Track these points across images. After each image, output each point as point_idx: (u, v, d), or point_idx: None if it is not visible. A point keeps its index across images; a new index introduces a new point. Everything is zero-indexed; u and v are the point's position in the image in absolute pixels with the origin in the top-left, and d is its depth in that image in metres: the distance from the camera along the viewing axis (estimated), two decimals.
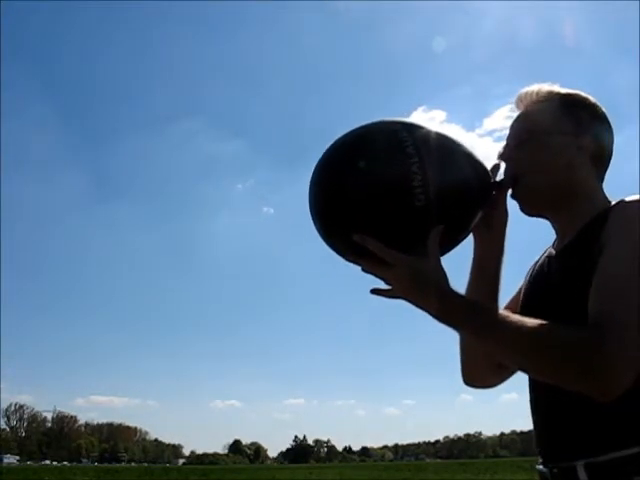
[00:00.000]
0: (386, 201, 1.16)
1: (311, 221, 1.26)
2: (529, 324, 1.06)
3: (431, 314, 1.10)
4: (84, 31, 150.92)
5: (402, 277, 1.11)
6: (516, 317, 1.09)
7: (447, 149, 1.25)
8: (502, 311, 1.16)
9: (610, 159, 1.30)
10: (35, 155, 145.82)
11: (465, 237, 1.30)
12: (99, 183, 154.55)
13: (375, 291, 1.18)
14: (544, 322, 1.06)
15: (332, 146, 1.27)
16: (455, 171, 1.23)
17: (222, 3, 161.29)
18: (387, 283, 1.16)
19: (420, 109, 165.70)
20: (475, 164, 1.28)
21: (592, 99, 1.31)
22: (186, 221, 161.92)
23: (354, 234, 1.15)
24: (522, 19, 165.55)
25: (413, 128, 1.24)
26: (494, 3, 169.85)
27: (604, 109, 1.30)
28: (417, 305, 1.11)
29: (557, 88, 1.31)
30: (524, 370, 1.16)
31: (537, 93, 1.31)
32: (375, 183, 1.17)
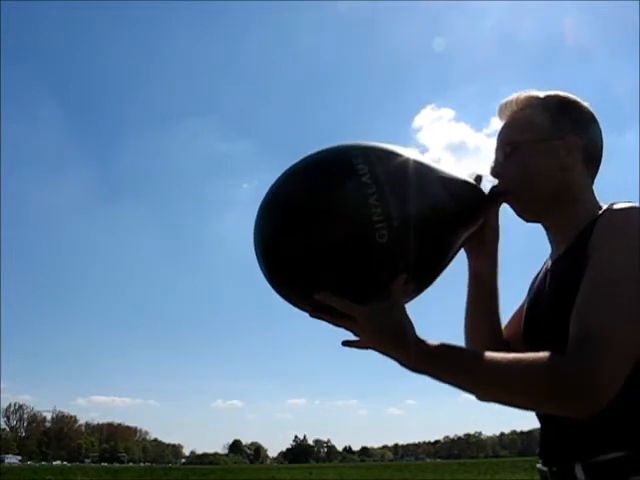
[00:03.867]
0: (343, 244, 1.07)
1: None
2: (498, 362, 1.04)
3: (400, 363, 1.09)
4: (92, 29, 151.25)
5: (365, 330, 1.10)
6: (487, 355, 1.07)
7: (414, 173, 1.14)
8: (471, 351, 1.14)
9: (601, 156, 1.27)
10: (41, 154, 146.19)
11: (448, 262, 1.22)
12: (105, 182, 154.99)
13: (346, 343, 1.17)
14: (517, 356, 1.04)
15: (277, 183, 1.15)
16: (424, 198, 1.13)
17: (231, 4, 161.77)
18: (355, 335, 1.14)
19: (429, 107, 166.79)
20: (454, 186, 1.19)
21: (573, 97, 1.27)
22: (190, 220, 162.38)
23: (314, 293, 1.09)
24: (529, 18, 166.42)
25: (369, 152, 1.13)
26: (502, 2, 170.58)
27: (588, 105, 1.27)
28: (386, 355, 1.10)
29: (536, 92, 1.28)
30: (501, 404, 1.12)
31: (516, 101, 1.28)
32: (328, 226, 1.07)
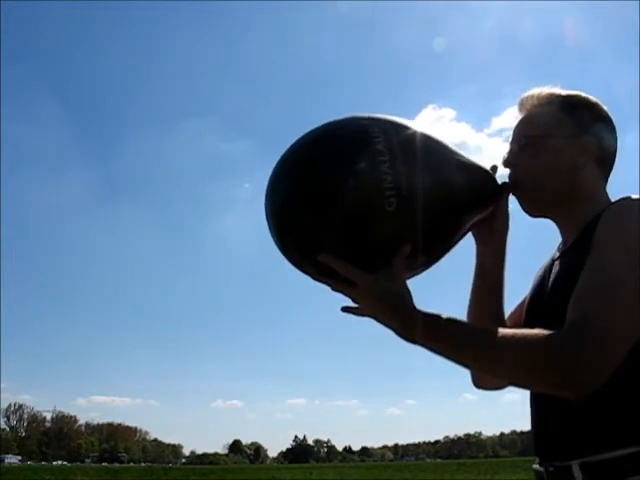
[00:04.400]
0: (351, 208, 1.07)
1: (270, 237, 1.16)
2: (497, 336, 1.06)
3: (396, 333, 1.11)
4: (92, 29, 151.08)
5: (366, 297, 1.12)
6: (483, 329, 1.11)
7: (429, 150, 1.14)
8: (471, 325, 1.18)
9: (614, 159, 1.30)
10: (41, 154, 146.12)
11: (457, 240, 1.22)
12: (105, 182, 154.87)
13: (345, 309, 1.20)
14: (516, 332, 1.06)
15: (290, 149, 1.15)
16: (437, 174, 1.14)
17: (231, 4, 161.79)
18: (354, 302, 1.17)
19: (430, 107, 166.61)
20: (467, 168, 1.21)
21: (593, 99, 1.30)
22: (190, 220, 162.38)
23: (319, 254, 1.09)
24: (530, 19, 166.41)
25: (387, 124, 1.13)
26: (504, 3, 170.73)
27: (606, 109, 1.30)
28: (383, 324, 1.12)
29: (558, 90, 1.30)
30: (497, 377, 1.16)
31: (538, 96, 1.30)
32: (338, 187, 1.07)
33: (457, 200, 1.17)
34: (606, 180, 1.29)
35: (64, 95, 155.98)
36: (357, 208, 1.07)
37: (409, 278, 1.17)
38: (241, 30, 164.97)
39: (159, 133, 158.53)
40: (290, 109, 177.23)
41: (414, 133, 1.15)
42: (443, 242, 1.20)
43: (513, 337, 1.04)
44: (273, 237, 1.15)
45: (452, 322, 1.10)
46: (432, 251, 1.18)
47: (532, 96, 1.31)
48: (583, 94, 1.30)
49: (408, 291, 1.13)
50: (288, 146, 1.16)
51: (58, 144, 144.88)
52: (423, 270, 1.20)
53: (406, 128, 1.15)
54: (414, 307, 1.11)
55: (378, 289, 1.10)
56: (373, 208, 1.07)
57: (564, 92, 1.30)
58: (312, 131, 1.16)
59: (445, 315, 1.10)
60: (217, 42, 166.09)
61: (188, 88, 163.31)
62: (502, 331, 1.06)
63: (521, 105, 1.33)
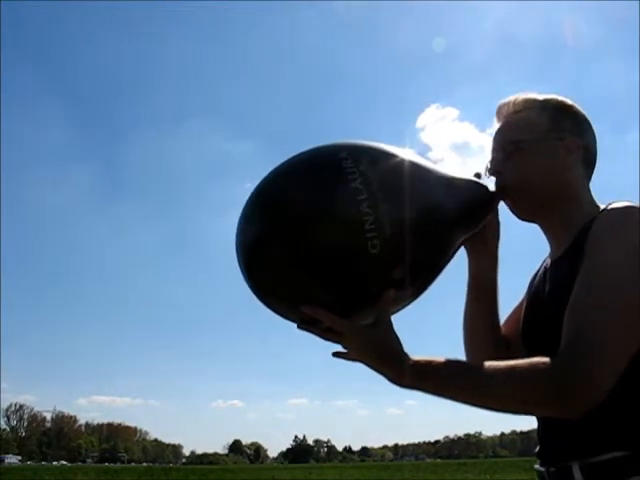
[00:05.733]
0: (332, 256, 1.00)
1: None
2: (484, 370, 1.05)
3: (388, 379, 1.09)
4: (98, 29, 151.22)
5: (352, 345, 1.11)
6: (477, 367, 1.08)
7: (412, 176, 1.07)
8: (459, 365, 1.12)
9: (596, 159, 1.30)
10: (45, 155, 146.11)
11: (446, 263, 1.19)
12: (109, 182, 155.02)
13: (336, 355, 1.17)
14: (507, 365, 1.04)
15: (262, 186, 1.07)
16: (422, 201, 1.07)
17: (235, 5, 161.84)
18: (344, 347, 1.14)
19: (433, 106, 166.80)
20: (455, 186, 1.16)
21: (570, 101, 1.30)
22: (192, 220, 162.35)
23: (301, 305, 1.04)
24: (533, 19, 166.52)
25: (361, 154, 1.05)
26: (506, 3, 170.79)
27: (583, 110, 1.30)
28: (373, 369, 1.10)
29: (534, 95, 1.30)
30: (497, 412, 1.16)
31: (514, 103, 1.30)
32: (315, 235, 1.00)
33: (446, 222, 1.12)
34: (589, 180, 1.29)
35: (69, 96, 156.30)
36: (338, 253, 1.00)
37: (398, 311, 1.14)
38: (244, 31, 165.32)
39: (163, 133, 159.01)
40: (293, 109, 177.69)
41: (391, 160, 1.07)
42: (434, 269, 1.15)
43: (510, 372, 1.03)
44: (249, 287, 1.09)
45: (443, 365, 1.07)
46: (421, 282, 1.14)
47: (508, 103, 1.31)
48: (559, 97, 1.30)
49: (395, 337, 1.10)
50: (259, 182, 1.08)
51: (62, 145, 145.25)
52: (412, 300, 1.16)
53: (382, 155, 1.07)
54: (402, 354, 1.08)
55: (364, 338, 1.08)
56: (355, 252, 1.00)
57: (540, 96, 1.30)
58: (282, 165, 1.08)
59: (437, 358, 1.07)
60: (220, 43, 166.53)
61: (191, 88, 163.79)
62: (498, 367, 1.05)
63: (499, 113, 1.32)
